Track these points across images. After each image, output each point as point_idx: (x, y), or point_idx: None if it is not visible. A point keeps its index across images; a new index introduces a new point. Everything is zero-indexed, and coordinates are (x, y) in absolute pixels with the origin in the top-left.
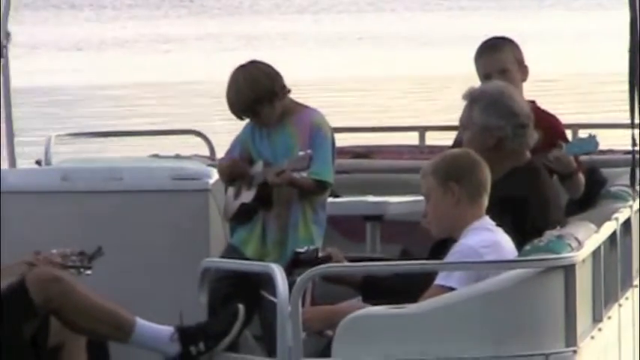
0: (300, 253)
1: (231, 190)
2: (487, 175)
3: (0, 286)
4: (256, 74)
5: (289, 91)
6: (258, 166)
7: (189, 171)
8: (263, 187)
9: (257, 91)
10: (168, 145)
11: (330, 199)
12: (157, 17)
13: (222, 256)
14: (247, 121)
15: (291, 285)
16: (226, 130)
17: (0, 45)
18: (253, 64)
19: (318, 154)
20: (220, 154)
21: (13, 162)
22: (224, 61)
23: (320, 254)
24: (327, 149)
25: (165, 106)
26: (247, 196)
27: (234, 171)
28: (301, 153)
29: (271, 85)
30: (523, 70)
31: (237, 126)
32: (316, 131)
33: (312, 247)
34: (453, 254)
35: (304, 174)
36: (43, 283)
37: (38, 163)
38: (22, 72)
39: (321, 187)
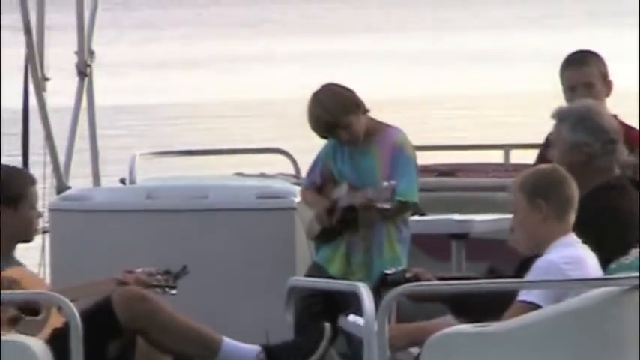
0: (388, 274)
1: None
2: (574, 192)
3: (86, 303)
4: (337, 90)
5: (368, 110)
6: (343, 189)
7: (274, 189)
8: (347, 212)
9: (343, 104)
10: (252, 164)
11: (416, 218)
12: (239, 37)
13: (307, 274)
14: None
15: (378, 305)
16: (310, 148)
17: (85, 64)
18: (331, 84)
19: (401, 174)
20: (304, 172)
21: (97, 181)
22: (308, 80)
23: (407, 275)
24: (410, 169)
25: (248, 125)
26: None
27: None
28: (385, 184)
29: (355, 98)
30: (607, 85)
31: (321, 145)
32: (399, 151)
33: (400, 268)
34: (535, 269)
35: (387, 205)
36: (129, 302)
37: (122, 181)
38: (106, 91)
39: (406, 207)
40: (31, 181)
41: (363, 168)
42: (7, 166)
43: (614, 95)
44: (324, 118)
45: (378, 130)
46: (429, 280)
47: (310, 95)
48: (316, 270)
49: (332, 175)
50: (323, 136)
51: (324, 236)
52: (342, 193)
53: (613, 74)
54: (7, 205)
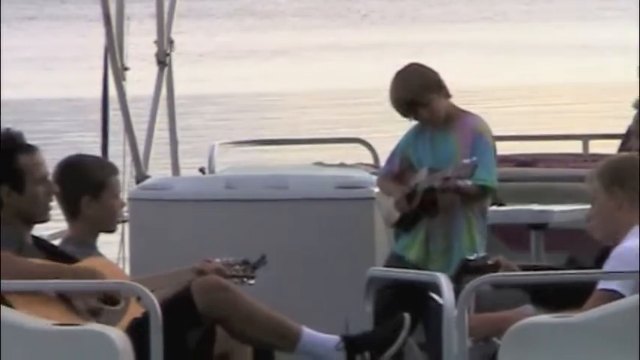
0: (470, 260)
1: (391, 198)
2: None
3: (165, 292)
4: (421, 69)
5: (451, 96)
6: (422, 174)
7: (354, 179)
8: (427, 194)
9: (426, 81)
10: (331, 154)
11: (495, 208)
12: (320, 26)
13: (386, 264)
14: (408, 128)
15: (458, 292)
16: (390, 138)
17: (164, 53)
18: (410, 66)
19: (480, 160)
20: (384, 161)
21: (177, 170)
22: (388, 70)
23: (489, 262)
24: (489, 155)
25: (328, 115)
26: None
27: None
28: (466, 161)
29: (437, 78)
30: None
31: (400, 133)
32: (478, 137)
33: (481, 255)
34: (613, 257)
35: (468, 182)
36: (209, 292)
37: (202, 171)
38: (185, 80)
39: (484, 192)
40: (113, 170)
41: (442, 153)
42: (87, 156)
43: None
44: (406, 94)
45: (458, 116)
46: (510, 267)
47: (395, 73)
48: (395, 259)
49: (411, 163)
50: (403, 114)
51: (404, 223)
52: (421, 178)
53: None
54: (89, 194)
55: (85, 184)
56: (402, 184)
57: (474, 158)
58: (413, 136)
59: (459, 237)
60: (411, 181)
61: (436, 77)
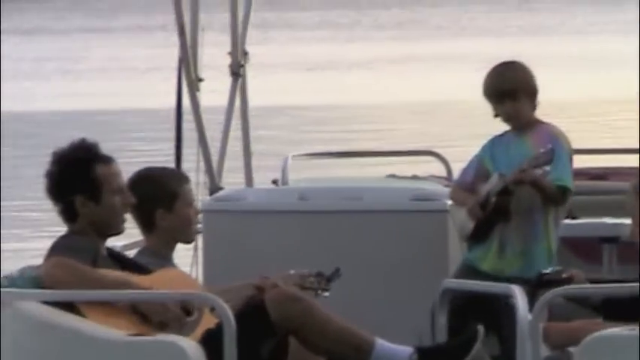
0: (545, 274)
1: (463, 211)
2: None
3: (238, 303)
4: (523, 66)
5: (536, 105)
6: (494, 179)
7: (428, 191)
8: (501, 197)
9: (529, 79)
10: (404, 166)
11: (567, 221)
12: (396, 38)
13: (457, 274)
14: (484, 142)
15: (532, 305)
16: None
17: (238, 65)
18: (516, 60)
19: (557, 161)
20: (456, 174)
21: (250, 181)
22: (464, 82)
23: (563, 275)
24: (565, 157)
25: (401, 127)
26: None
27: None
28: (542, 149)
29: (534, 81)
30: None
31: (474, 148)
32: (554, 140)
33: (556, 269)
34: None
35: (547, 168)
36: (283, 303)
37: (275, 182)
38: (259, 91)
39: (561, 192)
40: (184, 179)
41: (516, 157)
42: (157, 169)
43: None
44: (508, 83)
45: (536, 124)
46: (582, 281)
47: (499, 64)
48: (466, 269)
49: (487, 173)
50: (493, 102)
51: (478, 234)
52: (493, 183)
53: None
54: (162, 207)
55: (158, 196)
56: (474, 194)
57: (549, 146)
58: (490, 145)
59: (537, 240)
60: (482, 189)
61: (533, 79)
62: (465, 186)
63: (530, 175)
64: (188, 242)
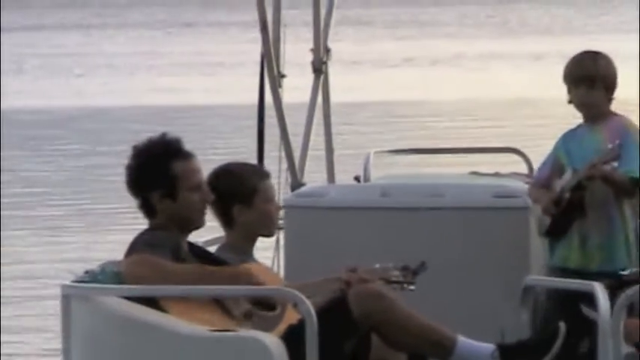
0: (624, 275)
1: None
2: None
3: (321, 299)
4: (604, 55)
5: (613, 98)
6: (567, 174)
7: (510, 188)
8: (575, 192)
9: (611, 71)
10: (486, 163)
11: None
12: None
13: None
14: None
15: (613, 304)
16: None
17: (320, 61)
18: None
19: (627, 153)
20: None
21: (332, 177)
22: (544, 79)
23: None
24: (635, 149)
25: (483, 124)
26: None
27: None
28: (610, 146)
29: (616, 74)
30: None
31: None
32: (625, 132)
33: (635, 270)
34: None
35: (615, 164)
36: (365, 299)
37: (357, 179)
38: (340, 88)
39: (633, 183)
40: (264, 174)
41: (589, 150)
42: (237, 164)
43: None
44: (591, 69)
45: (609, 115)
46: None
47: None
48: (555, 273)
49: (563, 168)
50: (571, 84)
51: (555, 229)
52: (566, 179)
53: None
54: (240, 202)
55: (236, 192)
56: (550, 191)
57: (617, 142)
58: (563, 140)
59: (615, 233)
60: (556, 184)
61: (615, 71)
62: (542, 183)
63: (599, 171)
64: (269, 236)
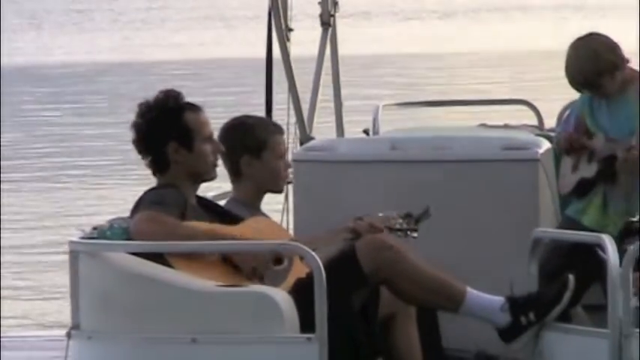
0: (633, 222)
1: (567, 162)
2: None
3: (324, 252)
4: (596, 47)
5: (629, 60)
6: (599, 140)
7: (518, 141)
8: (607, 162)
9: (598, 65)
10: (494, 115)
11: None
12: None
13: (559, 228)
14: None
15: (623, 254)
16: (556, 98)
17: (328, 14)
18: (592, 36)
19: None
20: (549, 124)
21: (341, 131)
22: (559, 31)
23: None
24: None
25: (491, 75)
26: (587, 170)
27: (575, 144)
28: None
29: (612, 57)
30: None
31: (567, 95)
32: None
33: None
34: None
35: None
36: (374, 252)
37: (366, 132)
38: (349, 40)
39: None
40: (276, 129)
41: (620, 117)
42: (250, 117)
43: None
44: (578, 77)
45: (635, 78)
46: None
47: (571, 45)
48: (568, 223)
49: (586, 128)
50: (579, 91)
51: (579, 190)
52: (598, 145)
53: None
54: (249, 153)
55: (246, 143)
56: (577, 149)
57: None
58: (588, 99)
59: (637, 198)
60: (588, 146)
61: (611, 57)
62: (568, 136)
63: (637, 155)
64: (277, 192)
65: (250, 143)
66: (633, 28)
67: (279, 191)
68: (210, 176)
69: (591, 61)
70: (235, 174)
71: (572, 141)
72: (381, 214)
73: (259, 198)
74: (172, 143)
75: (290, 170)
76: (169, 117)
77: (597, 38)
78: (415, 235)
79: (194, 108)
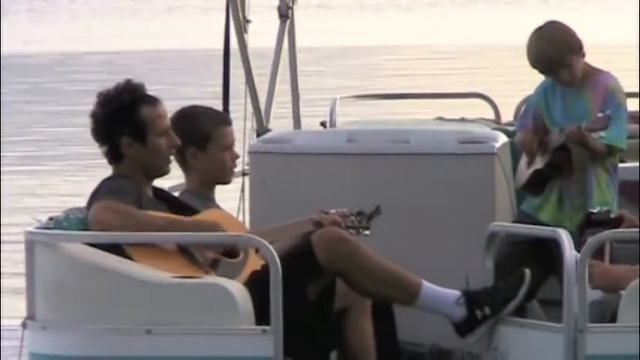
0: (593, 213)
1: (524, 158)
2: None
3: (285, 244)
4: (564, 28)
5: (584, 54)
6: (554, 134)
7: (476, 134)
8: (557, 153)
9: (569, 42)
10: (450, 108)
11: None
12: None
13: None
14: (538, 84)
15: (580, 245)
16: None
17: (287, 6)
18: (552, 24)
19: (613, 122)
20: (505, 117)
21: (298, 123)
22: (521, 24)
23: (612, 215)
24: (620, 115)
25: (449, 68)
26: (541, 163)
27: (535, 145)
28: (600, 114)
29: (573, 40)
30: None
31: (526, 90)
32: (610, 96)
33: (604, 208)
34: None
35: (602, 134)
36: (329, 244)
37: (323, 124)
38: (309, 32)
39: (612, 152)
40: (222, 121)
41: (574, 111)
42: (198, 107)
43: None
44: (550, 53)
45: (591, 73)
46: (633, 222)
47: (532, 32)
48: (525, 219)
49: (543, 122)
50: (543, 73)
51: (532, 184)
52: (553, 138)
53: None
54: (193, 146)
55: (191, 135)
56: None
57: (608, 112)
58: (543, 92)
59: (591, 193)
60: (546, 144)
61: (578, 38)
62: (530, 130)
63: (582, 135)
64: (224, 183)
65: (195, 135)
66: (633, 22)
67: (226, 183)
68: (163, 171)
69: (562, 38)
70: (182, 164)
71: (532, 142)
72: (333, 211)
73: (210, 189)
74: (126, 137)
75: (238, 161)
76: (124, 110)
77: (557, 24)
78: (367, 232)
79: (152, 101)
